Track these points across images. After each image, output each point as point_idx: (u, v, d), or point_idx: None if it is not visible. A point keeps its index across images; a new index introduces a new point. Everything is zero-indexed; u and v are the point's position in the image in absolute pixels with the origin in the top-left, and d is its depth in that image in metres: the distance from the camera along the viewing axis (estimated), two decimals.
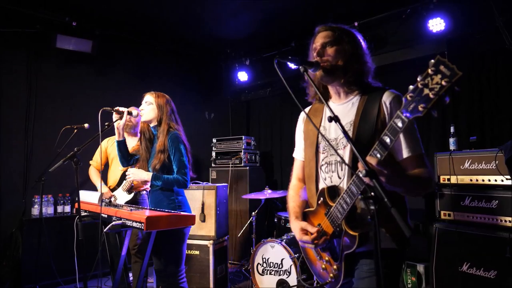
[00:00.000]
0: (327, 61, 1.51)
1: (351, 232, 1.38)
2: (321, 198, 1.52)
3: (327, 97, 1.65)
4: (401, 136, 1.41)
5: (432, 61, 0.97)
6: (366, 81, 1.55)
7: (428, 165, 1.43)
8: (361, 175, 1.13)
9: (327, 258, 1.55)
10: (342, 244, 1.44)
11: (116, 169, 3.73)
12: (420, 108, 1.01)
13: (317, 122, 1.65)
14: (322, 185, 1.59)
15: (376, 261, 1.07)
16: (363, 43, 1.59)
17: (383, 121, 1.42)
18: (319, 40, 1.55)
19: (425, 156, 1.44)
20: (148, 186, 3.79)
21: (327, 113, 1.63)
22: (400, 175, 1.26)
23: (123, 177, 3.61)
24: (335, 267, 1.50)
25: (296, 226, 1.59)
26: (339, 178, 1.52)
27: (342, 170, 1.51)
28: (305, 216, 1.65)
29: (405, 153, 1.41)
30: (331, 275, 1.54)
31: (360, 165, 1.15)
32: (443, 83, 0.95)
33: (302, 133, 1.77)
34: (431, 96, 0.97)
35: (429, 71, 0.98)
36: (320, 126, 1.64)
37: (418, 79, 1.01)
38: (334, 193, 1.49)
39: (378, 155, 1.16)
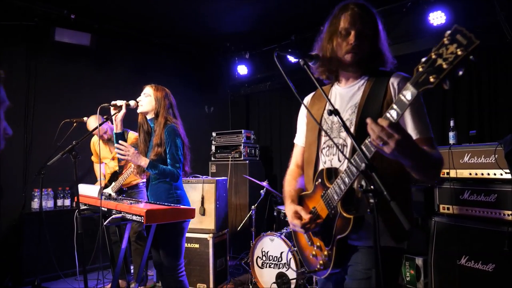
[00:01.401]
0: (361, 50, 1.44)
1: (346, 215, 1.34)
2: (319, 179, 1.49)
3: (332, 75, 1.59)
4: (409, 118, 1.36)
5: (449, 31, 0.92)
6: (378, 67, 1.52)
7: (437, 148, 1.36)
8: (360, 169, 1.11)
9: (318, 244, 1.52)
10: (335, 227, 1.40)
11: (106, 167, 3.77)
12: (431, 79, 0.95)
13: (321, 106, 1.63)
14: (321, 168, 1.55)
15: (376, 254, 1.06)
16: (383, 32, 1.53)
17: (389, 102, 1.37)
18: (356, 22, 1.43)
19: (434, 140, 1.37)
20: (141, 181, 3.81)
21: (332, 96, 1.60)
22: (412, 144, 1.15)
23: (112, 177, 3.63)
24: (325, 253, 1.47)
25: (290, 209, 1.55)
26: (339, 161, 1.49)
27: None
28: (301, 200, 1.62)
29: (414, 135, 1.34)
30: (321, 261, 1.51)
31: (383, 120, 1.08)
32: (459, 52, 0.90)
33: (305, 118, 1.73)
34: (444, 66, 0.92)
35: (445, 40, 0.93)
36: (324, 109, 1.61)
37: (433, 49, 0.95)
38: (333, 175, 1.45)
39: (393, 116, 1.07)
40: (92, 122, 3.75)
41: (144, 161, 2.52)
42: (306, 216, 1.46)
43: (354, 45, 1.43)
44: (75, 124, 3.69)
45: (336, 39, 1.47)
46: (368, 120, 1.08)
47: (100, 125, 2.46)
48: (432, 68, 0.95)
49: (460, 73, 0.91)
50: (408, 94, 1.03)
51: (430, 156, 1.28)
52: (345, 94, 1.53)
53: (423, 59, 0.98)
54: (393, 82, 1.41)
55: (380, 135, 1.06)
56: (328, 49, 1.49)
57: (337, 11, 1.49)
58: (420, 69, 0.98)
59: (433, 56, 0.95)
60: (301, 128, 1.76)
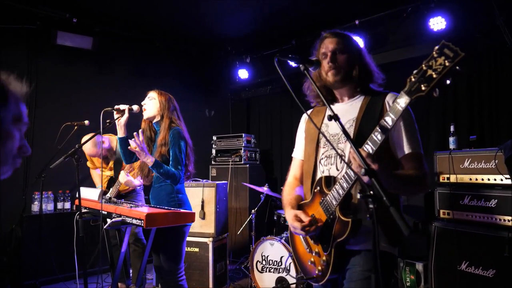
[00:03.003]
0: (340, 67, 1.55)
1: (344, 218, 1.40)
2: (318, 187, 1.55)
3: (329, 97, 1.68)
4: (403, 133, 1.45)
5: (437, 46, 1.02)
6: (371, 86, 1.61)
7: (425, 166, 1.45)
8: (360, 175, 1.14)
9: (317, 250, 1.56)
10: (334, 231, 1.44)
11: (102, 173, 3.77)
12: (423, 88, 1.04)
13: (319, 120, 1.70)
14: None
15: (375, 260, 1.07)
16: (365, 52, 1.65)
17: None
18: (329, 46, 1.57)
19: (424, 157, 1.47)
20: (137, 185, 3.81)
21: (328, 112, 1.65)
22: (386, 172, 1.25)
23: (110, 183, 3.62)
24: (324, 258, 1.51)
25: (290, 213, 1.61)
26: (337, 170, 1.55)
27: (341, 162, 1.54)
28: (300, 208, 1.68)
29: (406, 149, 1.44)
30: (319, 268, 1.54)
31: (361, 151, 1.18)
32: (446, 63, 0.99)
33: (304, 133, 1.80)
34: (434, 76, 1.01)
35: (434, 54, 1.02)
36: (322, 123, 1.68)
37: (423, 62, 1.05)
38: (331, 182, 1.51)
39: (388, 123, 1.20)
40: (87, 146, 3.63)
41: (150, 159, 2.53)
42: (306, 219, 1.52)
43: (330, 64, 1.56)
44: (76, 127, 3.69)
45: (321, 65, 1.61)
46: (351, 150, 1.19)
47: (103, 129, 2.46)
48: (423, 78, 1.05)
49: (448, 82, 1.01)
50: (402, 102, 1.12)
51: (410, 178, 1.41)
52: (342, 110, 1.60)
53: (415, 71, 1.07)
54: (389, 100, 1.51)
55: (360, 164, 1.16)
56: (316, 76, 1.62)
57: (317, 44, 1.65)
58: (413, 79, 1.08)
59: (424, 68, 1.05)
60: (300, 142, 1.83)
